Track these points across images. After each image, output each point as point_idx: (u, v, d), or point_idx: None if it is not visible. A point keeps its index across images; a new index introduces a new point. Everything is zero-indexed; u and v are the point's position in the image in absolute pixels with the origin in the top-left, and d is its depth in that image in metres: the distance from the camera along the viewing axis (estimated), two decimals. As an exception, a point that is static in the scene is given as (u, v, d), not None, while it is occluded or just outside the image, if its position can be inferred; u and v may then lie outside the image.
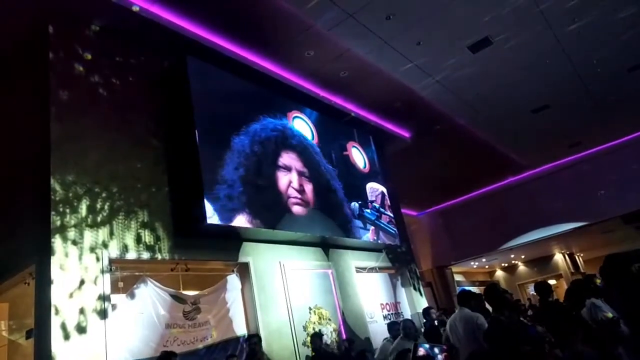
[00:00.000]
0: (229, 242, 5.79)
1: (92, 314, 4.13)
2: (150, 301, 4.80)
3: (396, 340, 5.61)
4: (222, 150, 5.74)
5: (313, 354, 5.23)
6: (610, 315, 4.02)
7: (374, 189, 8.77)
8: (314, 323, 6.36)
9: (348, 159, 8.34)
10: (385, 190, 9.03)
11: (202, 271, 5.63)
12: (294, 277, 6.48)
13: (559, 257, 17.30)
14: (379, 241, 8.26)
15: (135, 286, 4.77)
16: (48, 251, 4.07)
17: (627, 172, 11.72)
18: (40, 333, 4.02)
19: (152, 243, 4.93)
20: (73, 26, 5.12)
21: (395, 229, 8.77)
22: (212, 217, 5.18)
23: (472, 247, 14.39)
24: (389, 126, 9.50)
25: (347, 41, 6.53)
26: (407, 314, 8.69)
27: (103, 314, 4.20)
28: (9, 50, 5.24)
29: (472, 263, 16.39)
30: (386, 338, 6.53)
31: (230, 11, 5.66)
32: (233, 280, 5.78)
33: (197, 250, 5.35)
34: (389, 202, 9.02)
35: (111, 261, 4.50)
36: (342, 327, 6.77)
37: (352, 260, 7.85)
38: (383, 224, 8.47)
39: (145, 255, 4.82)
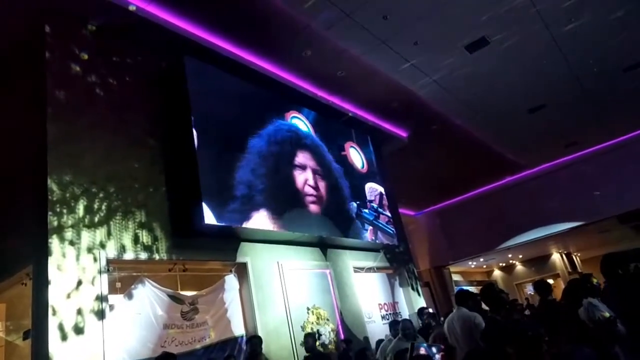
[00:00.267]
0: (226, 242, 5.79)
1: (89, 315, 4.12)
2: (148, 301, 4.80)
3: (394, 340, 5.61)
4: (230, 151, 5.88)
5: (307, 354, 5.20)
6: (607, 314, 4.04)
7: (373, 189, 8.78)
8: (312, 323, 6.36)
9: (346, 159, 8.35)
10: (383, 190, 9.04)
11: (200, 271, 5.62)
12: (292, 277, 6.48)
13: (556, 257, 17.35)
14: (377, 241, 8.27)
15: (132, 286, 4.75)
16: (45, 252, 4.06)
17: (623, 172, 11.76)
18: (37, 334, 4.00)
19: (149, 243, 4.92)
20: (69, 26, 5.11)
21: (393, 229, 8.77)
22: (214, 217, 5.19)
23: (469, 246, 14.41)
24: (386, 126, 9.51)
25: (344, 41, 6.54)
26: (405, 314, 8.70)
27: (101, 314, 4.19)
28: (5, 50, 5.22)
29: (470, 263, 16.42)
30: (387, 336, 6.56)
31: (227, 11, 5.66)
32: (231, 281, 5.78)
33: (195, 251, 5.34)
34: (386, 202, 9.03)
35: (109, 261, 4.49)
36: (340, 327, 6.77)
37: (350, 260, 7.85)
38: (381, 224, 8.48)
39: (143, 255, 4.81)
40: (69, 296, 4.04)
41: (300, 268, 6.72)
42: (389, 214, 8.90)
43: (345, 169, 8.09)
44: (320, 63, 7.00)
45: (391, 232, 8.69)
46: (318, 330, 6.33)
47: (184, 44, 5.79)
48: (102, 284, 4.32)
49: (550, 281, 15.08)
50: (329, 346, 6.36)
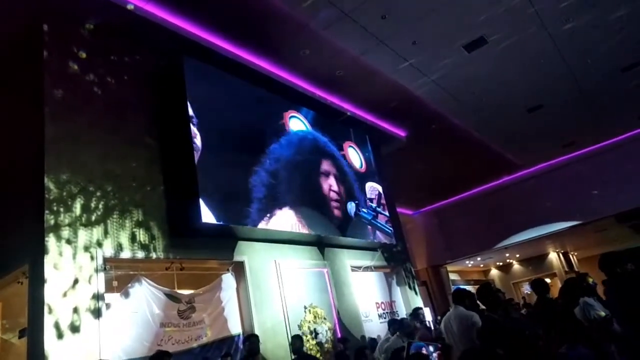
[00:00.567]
0: (224, 241, 5.79)
1: (86, 313, 4.12)
2: (144, 300, 4.80)
3: (392, 338, 5.63)
4: (236, 151, 6.00)
5: (294, 356, 5.16)
6: (602, 313, 4.05)
7: (374, 188, 8.81)
8: (309, 322, 6.36)
9: (345, 158, 8.35)
10: (381, 190, 9.04)
11: (197, 270, 5.62)
12: (289, 276, 6.48)
13: (553, 256, 17.39)
14: (375, 240, 8.28)
15: (129, 285, 4.75)
16: (42, 250, 4.06)
17: (621, 172, 11.80)
18: (33, 332, 4.00)
19: (146, 242, 4.92)
20: (67, 25, 5.10)
21: (391, 228, 8.78)
22: (209, 215, 5.18)
23: (467, 246, 14.45)
24: (385, 125, 9.52)
25: (342, 40, 6.54)
26: (402, 312, 8.72)
27: (97, 313, 4.19)
28: (3, 50, 5.21)
29: (467, 262, 16.45)
30: (378, 337, 6.58)
31: (226, 10, 5.65)
32: (228, 279, 5.78)
33: (192, 250, 5.34)
34: (385, 201, 9.03)
35: (105, 260, 4.49)
36: (337, 325, 6.78)
37: (348, 259, 7.86)
38: (379, 223, 8.49)
39: (140, 254, 4.81)
40: (65, 295, 4.04)
41: (297, 267, 6.72)
42: (387, 214, 8.91)
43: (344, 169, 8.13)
44: (318, 62, 7.00)
45: (389, 231, 8.70)
46: (315, 329, 6.34)
47: (182, 43, 5.78)
48: (99, 283, 4.32)
49: (548, 280, 15.15)
50: (326, 345, 6.37)
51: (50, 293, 3.95)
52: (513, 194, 13.59)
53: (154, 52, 5.88)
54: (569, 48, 7.68)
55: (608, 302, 4.08)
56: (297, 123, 7.39)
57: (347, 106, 8.48)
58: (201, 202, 5.14)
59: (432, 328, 7.37)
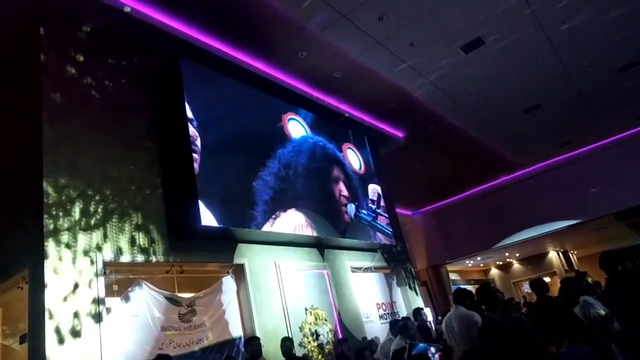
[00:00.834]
0: (223, 243, 5.78)
1: (86, 318, 4.10)
2: (145, 304, 4.78)
3: (395, 340, 5.63)
4: (238, 154, 6.06)
5: (285, 359, 5.07)
6: (602, 312, 4.06)
7: (374, 189, 8.83)
8: (310, 324, 6.36)
9: (344, 160, 8.36)
10: (380, 191, 9.05)
11: (197, 273, 5.61)
12: (290, 278, 6.48)
13: (553, 255, 17.41)
14: (375, 241, 8.28)
15: (130, 289, 4.74)
16: (41, 255, 4.04)
17: (619, 170, 11.83)
18: (34, 337, 3.99)
19: (146, 245, 4.91)
20: (64, 28, 5.09)
21: (390, 229, 8.79)
22: (209, 218, 5.18)
23: (466, 245, 14.46)
24: (383, 126, 9.53)
25: (340, 42, 6.55)
26: (403, 313, 8.71)
27: (98, 317, 4.18)
28: (0, 53, 5.20)
29: (467, 262, 16.46)
30: (375, 338, 6.59)
31: (223, 12, 5.65)
32: (228, 282, 5.77)
33: (192, 252, 5.33)
34: (384, 202, 9.04)
35: (105, 264, 4.48)
36: (338, 327, 6.78)
37: (348, 260, 7.86)
38: (379, 224, 8.49)
39: (140, 257, 4.80)
40: (65, 299, 4.03)
41: (297, 269, 6.72)
42: (387, 215, 8.91)
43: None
44: (316, 64, 7.01)
45: (389, 232, 8.70)
46: (316, 331, 6.34)
47: (180, 45, 5.78)
48: (99, 287, 4.31)
49: (547, 279, 15.18)
50: (327, 346, 6.36)
51: (51, 298, 3.93)
52: (512, 194, 13.62)
53: (152, 54, 5.88)
54: (566, 48, 7.71)
55: (608, 300, 4.09)
56: (295, 125, 7.39)
57: (345, 107, 8.49)
58: (201, 204, 5.13)
59: (433, 328, 7.37)
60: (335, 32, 6.25)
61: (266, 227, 5.90)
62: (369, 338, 7.04)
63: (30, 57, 4.89)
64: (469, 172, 12.82)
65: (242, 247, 6.00)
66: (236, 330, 5.58)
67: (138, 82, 5.67)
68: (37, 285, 4.05)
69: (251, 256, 6.07)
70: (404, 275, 9.27)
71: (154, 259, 4.91)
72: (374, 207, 8.55)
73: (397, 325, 5.98)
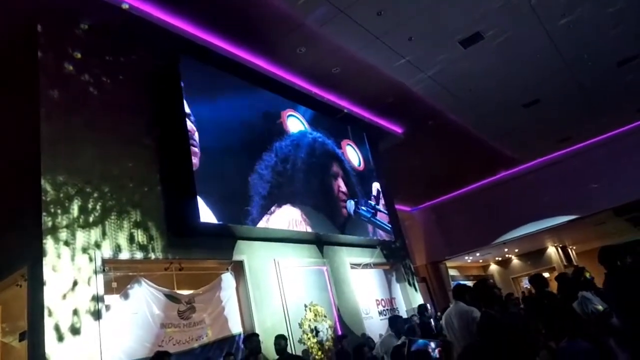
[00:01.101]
0: (222, 240, 5.78)
1: (85, 315, 4.10)
2: (144, 301, 4.79)
3: (384, 335, 5.66)
4: (235, 151, 6.03)
5: (277, 357, 4.97)
6: (600, 307, 4.07)
7: (375, 186, 8.87)
8: (310, 320, 6.37)
9: (344, 157, 8.36)
10: (379, 187, 9.05)
11: (196, 270, 5.62)
12: (289, 274, 6.48)
13: (552, 250, 17.44)
14: (374, 237, 8.29)
15: (129, 286, 4.74)
16: (40, 252, 4.04)
17: (618, 165, 11.82)
18: (33, 335, 3.99)
19: (145, 243, 4.90)
20: (62, 25, 5.06)
21: (389, 226, 8.79)
22: (208, 215, 5.18)
23: (465, 241, 14.46)
24: (382, 122, 9.51)
25: (338, 37, 6.53)
26: (402, 309, 8.73)
27: (97, 314, 4.18)
28: (-3, 50, 5.18)
29: (466, 257, 16.48)
30: (363, 334, 6.62)
31: (221, 8, 5.63)
32: (227, 279, 5.77)
33: (191, 250, 5.33)
34: (383, 198, 9.04)
35: (104, 261, 4.47)
36: (337, 323, 6.79)
37: (347, 256, 7.87)
38: (378, 221, 8.49)
39: (139, 255, 4.79)
40: (64, 297, 4.02)
41: (296, 265, 6.72)
42: (386, 211, 8.92)
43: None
44: (314, 60, 6.98)
45: (388, 228, 8.71)
46: (316, 327, 6.34)
47: (178, 42, 5.76)
48: (98, 284, 4.31)
49: (546, 274, 15.21)
50: (327, 343, 6.38)
51: (50, 295, 3.93)
52: (511, 189, 13.61)
53: (150, 51, 5.85)
54: (565, 43, 7.69)
55: (607, 295, 4.10)
56: (295, 122, 7.38)
57: (344, 103, 8.48)
58: (199, 201, 5.13)
59: (432, 324, 7.38)
60: (334, 27, 6.23)
61: (262, 223, 5.89)
62: (367, 334, 7.05)
63: (28, 54, 4.87)
64: (468, 167, 12.82)
65: (241, 244, 6.00)
66: (236, 327, 5.59)
67: (136, 79, 5.65)
68: (36, 283, 4.04)
69: (250, 253, 6.07)
70: (403, 271, 9.28)
71: (152, 256, 4.91)
72: (373, 203, 8.56)
73: (404, 327, 5.99)
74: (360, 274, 8.08)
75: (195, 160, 5.32)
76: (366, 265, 8.30)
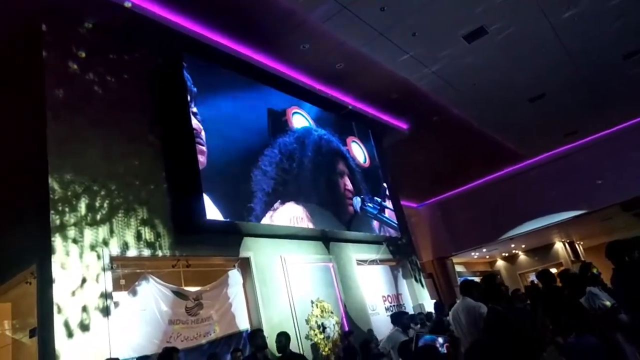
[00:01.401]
0: (229, 237, 5.80)
1: (94, 312, 4.14)
2: (152, 298, 4.82)
3: (391, 331, 5.70)
4: (241, 148, 6.02)
5: (279, 354, 4.91)
6: (608, 303, 4.05)
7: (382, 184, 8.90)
8: (317, 316, 6.39)
9: (349, 154, 8.36)
10: (385, 184, 9.05)
11: (203, 267, 5.65)
12: (295, 271, 6.50)
13: (559, 246, 17.34)
14: (380, 234, 8.29)
15: (136, 283, 4.78)
16: (48, 250, 4.08)
17: (625, 160, 11.72)
18: (43, 332, 4.03)
19: (152, 240, 4.94)
20: (66, 24, 5.10)
21: (396, 222, 8.79)
22: (214, 212, 5.20)
23: (472, 237, 14.42)
24: (387, 118, 9.49)
25: (342, 33, 6.51)
26: (409, 305, 8.74)
27: (105, 311, 4.22)
28: (3, 50, 5.21)
29: (473, 253, 16.43)
30: (368, 330, 6.72)
31: (224, 5, 5.63)
32: (234, 276, 5.80)
33: (198, 247, 5.36)
34: (389, 195, 9.04)
35: (112, 259, 4.51)
36: (344, 319, 6.81)
37: (353, 253, 7.87)
38: (385, 217, 8.50)
39: (146, 252, 4.83)
40: (73, 294, 4.07)
41: (303, 262, 6.74)
42: (392, 207, 8.91)
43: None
44: (318, 56, 6.97)
45: (394, 224, 8.70)
46: (323, 323, 6.37)
47: (181, 40, 5.77)
48: (106, 281, 4.35)
49: (554, 270, 15.13)
50: (334, 339, 6.40)
51: (59, 292, 3.98)
52: (517, 185, 13.54)
53: (154, 49, 5.88)
54: (570, 36, 7.62)
55: (615, 290, 4.07)
56: (300, 119, 7.39)
57: (349, 100, 8.46)
58: (205, 198, 5.15)
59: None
60: (337, 23, 6.21)
61: (266, 220, 5.90)
62: (377, 330, 7.07)
63: (33, 54, 4.91)
64: (474, 163, 12.76)
65: (248, 241, 6.02)
66: (243, 323, 5.62)
67: (141, 77, 5.68)
68: (45, 280, 4.09)
69: (257, 250, 6.09)
70: (409, 267, 9.27)
71: (160, 253, 4.94)
72: (379, 200, 8.55)
73: (409, 323, 6.04)
74: (366, 270, 8.09)
75: (202, 159, 5.34)
76: (372, 262, 8.30)
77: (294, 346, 5.76)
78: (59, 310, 3.92)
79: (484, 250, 16.23)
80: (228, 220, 5.40)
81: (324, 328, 6.35)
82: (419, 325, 6.60)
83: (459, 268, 16.32)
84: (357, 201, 7.84)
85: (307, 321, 6.22)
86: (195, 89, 5.68)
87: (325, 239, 7.36)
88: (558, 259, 17.20)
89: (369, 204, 8.16)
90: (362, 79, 7.85)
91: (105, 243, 4.51)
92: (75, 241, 4.28)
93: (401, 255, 9.17)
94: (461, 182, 14.47)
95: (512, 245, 16.59)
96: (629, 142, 11.83)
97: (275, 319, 5.81)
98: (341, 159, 7.99)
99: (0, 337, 5.24)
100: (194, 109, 5.57)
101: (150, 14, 5.40)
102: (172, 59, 5.82)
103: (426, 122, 9.73)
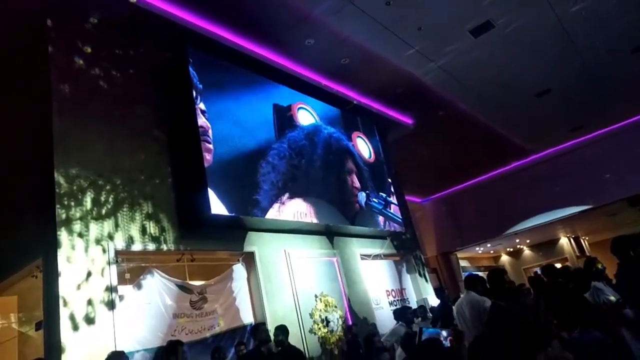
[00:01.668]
0: (233, 231, 5.82)
1: (100, 305, 4.18)
2: (157, 291, 4.85)
3: (395, 325, 5.72)
4: (248, 142, 6.03)
5: (278, 348, 4.92)
6: (612, 298, 4.04)
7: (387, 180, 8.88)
8: (320, 310, 6.41)
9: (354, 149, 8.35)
10: (390, 179, 9.03)
11: (207, 261, 5.67)
12: (300, 265, 6.51)
13: (564, 241, 17.27)
14: (384, 229, 8.29)
15: (141, 277, 4.81)
16: (54, 244, 4.11)
17: (632, 154, 11.64)
18: (49, 324, 4.07)
19: (157, 234, 4.96)
20: (71, 19, 5.10)
21: (400, 217, 8.78)
22: (219, 207, 5.21)
23: (477, 232, 14.39)
24: (392, 113, 9.46)
25: (347, 28, 6.48)
26: (413, 300, 8.74)
27: (111, 304, 4.25)
28: (9, 46, 5.22)
29: (477, 248, 16.40)
30: (371, 324, 6.75)
31: (229, 0, 5.62)
32: (239, 270, 5.82)
33: (202, 241, 5.38)
34: (394, 190, 9.03)
35: (117, 253, 4.54)
36: (348, 314, 6.82)
37: (357, 247, 7.88)
38: (390, 212, 8.49)
39: (151, 246, 4.85)
40: (79, 287, 4.10)
41: (307, 256, 6.75)
42: (396, 202, 8.91)
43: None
44: (323, 51, 6.95)
45: (399, 220, 8.70)
46: (326, 318, 6.38)
47: (186, 34, 5.77)
48: (112, 275, 4.37)
49: (558, 265, 15.08)
50: (337, 333, 6.42)
51: (65, 286, 4.01)
52: (522, 180, 13.48)
53: (159, 44, 5.88)
54: (578, 30, 7.55)
55: (620, 285, 4.06)
56: (305, 114, 7.38)
57: (354, 95, 8.44)
58: (210, 193, 5.16)
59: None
60: (343, 18, 6.19)
61: (272, 214, 5.91)
62: (381, 324, 7.09)
63: (39, 49, 4.92)
64: (479, 158, 12.71)
65: (252, 235, 6.04)
66: (247, 317, 5.65)
67: (146, 72, 5.69)
68: (51, 274, 4.12)
69: (261, 244, 6.11)
70: (413, 262, 9.28)
71: (164, 247, 4.96)
72: (384, 195, 8.54)
73: (413, 318, 6.06)
74: (370, 265, 8.09)
75: (208, 157, 5.36)
76: (376, 256, 8.31)
77: (297, 340, 5.80)
78: (65, 304, 3.95)
79: (489, 245, 16.19)
80: (233, 214, 5.41)
81: (328, 322, 6.37)
82: (419, 319, 6.63)
83: (463, 263, 16.30)
84: (362, 196, 7.84)
85: (311, 315, 6.24)
86: (200, 85, 5.68)
87: (330, 233, 7.37)
88: (563, 254, 17.13)
89: (374, 199, 8.16)
90: (367, 74, 7.82)
91: (111, 237, 4.54)
92: (80, 235, 4.31)
93: (405, 250, 9.17)
94: (466, 177, 14.42)
95: (517, 240, 16.54)
96: (635, 137, 11.74)
97: (279, 313, 5.83)
98: (349, 156, 7.99)
99: (7, 330, 5.29)
100: (203, 107, 5.58)
101: (155, 8, 5.40)
102: (178, 54, 5.81)
103: (431, 117, 9.69)
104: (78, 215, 4.37)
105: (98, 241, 4.42)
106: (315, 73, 7.57)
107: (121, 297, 4.49)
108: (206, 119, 5.55)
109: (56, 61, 4.81)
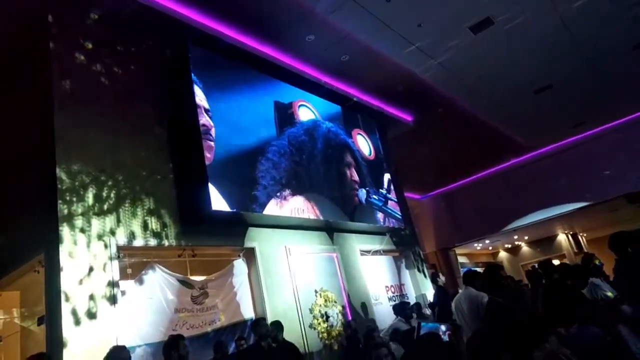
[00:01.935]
0: (234, 227, 5.85)
1: (101, 300, 4.21)
2: (158, 287, 4.88)
3: (395, 320, 5.76)
4: (248, 138, 6.06)
5: (274, 345, 4.92)
6: (610, 294, 4.08)
7: (387, 176, 8.89)
8: (320, 305, 6.45)
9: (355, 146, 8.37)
10: (389, 176, 9.06)
11: (208, 257, 5.70)
12: (300, 261, 6.55)
13: (562, 238, 17.33)
14: (384, 225, 8.32)
15: (143, 272, 4.84)
16: (56, 239, 4.13)
17: (631, 151, 11.66)
18: (51, 319, 4.10)
19: (158, 230, 4.99)
20: (73, 15, 5.11)
21: (400, 214, 8.82)
22: (220, 203, 5.24)
23: (475, 229, 14.44)
24: (392, 110, 9.48)
25: (347, 24, 6.48)
26: (412, 295, 8.80)
27: (113, 299, 4.28)
28: (10, 41, 5.23)
29: (476, 245, 16.46)
30: (368, 326, 6.72)
31: (230, -4, 5.63)
32: (239, 265, 5.85)
33: (203, 236, 5.41)
34: (393, 186, 9.06)
35: (119, 248, 4.57)
36: (347, 309, 6.87)
37: (357, 243, 7.92)
38: (390, 209, 8.53)
39: (153, 242, 4.88)
40: (81, 282, 4.13)
41: (307, 252, 6.79)
42: (396, 199, 8.94)
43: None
44: (323, 48, 6.95)
45: (398, 216, 8.73)
46: (326, 313, 6.43)
47: (187, 31, 5.78)
48: (113, 270, 4.40)
49: (556, 262, 15.13)
50: (337, 328, 6.47)
51: (67, 281, 4.03)
52: (522, 176, 13.52)
53: (160, 40, 5.88)
54: (578, 26, 7.53)
55: (618, 281, 4.10)
56: (306, 112, 7.40)
57: (354, 92, 8.45)
58: (211, 189, 5.19)
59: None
60: (343, 14, 6.18)
61: (272, 210, 5.93)
62: (380, 320, 7.14)
63: (40, 45, 4.92)
64: (478, 154, 12.73)
65: (253, 231, 6.07)
66: (248, 312, 5.69)
67: (147, 68, 5.69)
68: (53, 269, 4.14)
69: (261, 240, 6.14)
70: (412, 258, 9.32)
71: (166, 243, 4.99)
72: (384, 192, 8.58)
73: (412, 313, 6.11)
74: (370, 261, 8.13)
75: (209, 155, 5.38)
76: (376, 252, 8.35)
77: (297, 335, 5.85)
78: (67, 299, 3.98)
79: (487, 241, 16.25)
80: (234, 210, 5.44)
81: (327, 317, 6.42)
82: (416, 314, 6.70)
83: (461, 259, 16.37)
84: (362, 193, 7.87)
85: (311, 310, 6.29)
86: (201, 84, 5.69)
87: (330, 229, 7.40)
88: (561, 250, 17.20)
89: (374, 196, 8.19)
90: (368, 71, 7.83)
91: (112, 233, 4.56)
92: (82, 230, 4.33)
93: (404, 246, 9.22)
94: (465, 174, 14.45)
95: (515, 237, 16.60)
96: (637, 133, 11.75)
97: (280, 308, 5.87)
98: (348, 151, 8.01)
99: (9, 324, 5.33)
100: (206, 105, 5.60)
101: (157, 5, 5.40)
102: (179, 50, 5.82)
103: (431, 113, 9.70)
104: (80, 210, 4.40)
105: (100, 237, 4.45)
106: (316, 70, 7.58)
107: (123, 292, 4.51)
108: (209, 117, 5.57)
109: (58, 57, 4.82)
